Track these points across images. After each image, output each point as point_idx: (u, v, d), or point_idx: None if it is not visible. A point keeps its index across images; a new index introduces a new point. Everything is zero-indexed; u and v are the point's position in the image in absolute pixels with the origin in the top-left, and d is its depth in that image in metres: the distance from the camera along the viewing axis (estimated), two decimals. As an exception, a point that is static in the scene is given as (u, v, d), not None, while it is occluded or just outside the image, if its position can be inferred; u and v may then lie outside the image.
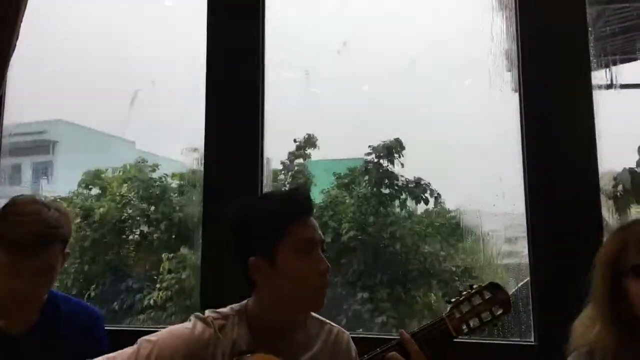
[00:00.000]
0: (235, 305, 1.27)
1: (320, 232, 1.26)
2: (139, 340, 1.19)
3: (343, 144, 3.97)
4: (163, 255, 3.41)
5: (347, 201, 3.94)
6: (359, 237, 3.77)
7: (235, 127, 1.75)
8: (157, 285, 3.39)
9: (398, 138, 3.80)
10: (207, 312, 1.26)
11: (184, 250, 3.38)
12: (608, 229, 1.94)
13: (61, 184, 4.70)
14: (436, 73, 3.26)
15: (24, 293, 1.33)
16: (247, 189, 1.70)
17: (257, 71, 1.77)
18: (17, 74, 1.86)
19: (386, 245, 3.78)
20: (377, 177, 3.88)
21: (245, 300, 1.28)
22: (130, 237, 3.78)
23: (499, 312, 1.20)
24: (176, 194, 3.80)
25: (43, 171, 5.78)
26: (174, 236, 3.65)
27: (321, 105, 3.76)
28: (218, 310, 1.26)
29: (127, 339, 1.30)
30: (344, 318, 3.74)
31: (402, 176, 3.87)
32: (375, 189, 3.87)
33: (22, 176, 5.97)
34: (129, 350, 1.18)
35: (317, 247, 1.23)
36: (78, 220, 3.71)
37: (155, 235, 3.71)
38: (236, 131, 1.74)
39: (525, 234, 1.52)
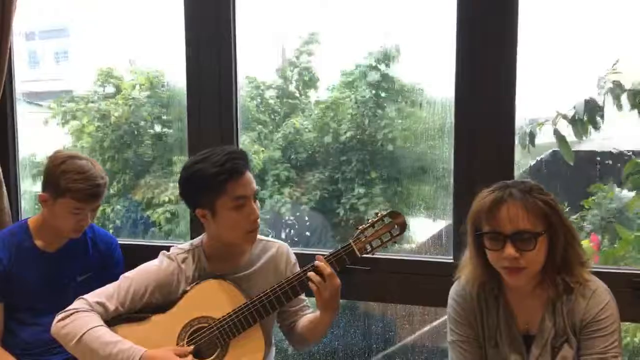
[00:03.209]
0: (194, 240, 1.65)
1: (253, 184, 1.56)
2: (121, 276, 1.57)
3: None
4: (174, 158, 3.74)
5: (347, 103, 4.13)
6: (357, 137, 4.01)
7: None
8: (171, 184, 3.76)
9: (397, 44, 3.88)
10: (173, 249, 1.63)
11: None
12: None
13: (80, 70, 4.87)
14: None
15: (85, 225, 1.79)
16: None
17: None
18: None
19: (382, 145, 4.03)
20: (374, 81, 4.02)
21: (202, 236, 1.63)
22: (146, 137, 4.08)
23: (397, 232, 1.53)
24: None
25: (63, 55, 5.95)
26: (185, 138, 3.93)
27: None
28: (180, 246, 1.65)
29: (144, 251, 1.67)
30: (342, 210, 4.13)
31: (398, 80, 4.00)
32: (373, 92, 4.02)
33: (41, 61, 6.14)
34: (112, 285, 1.57)
35: (250, 199, 1.53)
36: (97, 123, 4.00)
37: (169, 137, 4.00)
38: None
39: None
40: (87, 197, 1.72)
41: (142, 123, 4.07)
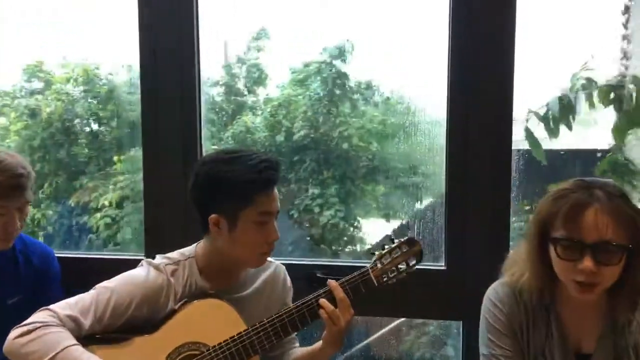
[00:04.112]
0: (184, 250, 1.41)
1: (278, 202, 1.37)
2: (97, 286, 1.32)
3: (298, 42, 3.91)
4: (115, 158, 3.45)
5: (300, 100, 3.98)
6: (311, 135, 3.87)
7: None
8: (112, 186, 3.46)
9: (349, 39, 3.78)
10: (159, 259, 1.40)
11: (136, 152, 3.41)
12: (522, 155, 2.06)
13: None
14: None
15: (12, 232, 1.53)
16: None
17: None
18: None
19: (337, 143, 3.92)
20: (329, 78, 3.91)
21: (194, 245, 1.41)
22: (81, 135, 3.77)
23: (413, 262, 1.39)
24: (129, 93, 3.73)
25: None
26: (126, 136, 3.66)
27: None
28: (168, 255, 1.40)
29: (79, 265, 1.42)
30: (295, 212, 3.97)
31: (353, 77, 3.91)
32: (327, 89, 3.91)
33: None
34: (87, 296, 1.31)
35: (273, 217, 1.34)
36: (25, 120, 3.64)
37: (107, 135, 3.70)
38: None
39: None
40: (7, 191, 1.46)
41: (77, 120, 3.74)
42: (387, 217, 4.08)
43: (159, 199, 1.71)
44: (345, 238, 4.03)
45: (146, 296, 1.33)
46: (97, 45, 3.69)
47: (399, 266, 1.39)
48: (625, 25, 2.11)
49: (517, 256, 1.30)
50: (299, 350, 1.50)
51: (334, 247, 4.01)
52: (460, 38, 1.57)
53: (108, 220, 3.54)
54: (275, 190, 1.37)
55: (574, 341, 1.29)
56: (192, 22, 1.68)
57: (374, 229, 4.01)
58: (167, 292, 1.35)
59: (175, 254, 1.42)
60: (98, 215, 3.53)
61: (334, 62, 3.80)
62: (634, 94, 1.97)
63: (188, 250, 1.43)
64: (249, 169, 1.32)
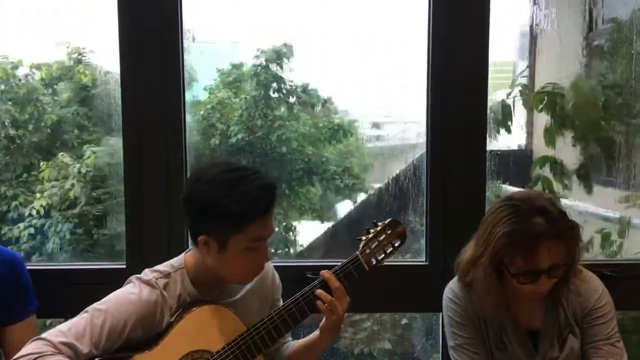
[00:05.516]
0: (173, 262, 1.37)
1: (273, 224, 1.34)
2: (89, 308, 1.25)
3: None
4: (42, 164, 3.21)
5: (235, 104, 3.93)
6: (247, 138, 3.84)
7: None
8: (38, 195, 3.22)
9: (288, 43, 3.80)
10: (148, 273, 1.34)
11: (64, 158, 3.20)
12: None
13: None
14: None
15: None
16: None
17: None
18: None
19: (273, 147, 3.91)
20: (265, 81, 3.90)
21: (183, 256, 1.37)
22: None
23: (398, 243, 1.45)
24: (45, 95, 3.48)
25: None
26: (48, 141, 3.42)
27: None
28: (157, 269, 1.35)
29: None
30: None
31: (290, 81, 3.93)
32: (263, 92, 3.90)
33: None
34: (80, 321, 1.23)
35: (266, 240, 1.31)
36: None
37: (25, 139, 3.44)
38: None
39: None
40: None
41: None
42: (321, 218, 4.15)
43: (141, 208, 1.62)
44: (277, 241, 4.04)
45: (142, 315, 1.29)
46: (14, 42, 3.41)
47: (386, 248, 1.45)
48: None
49: (467, 259, 1.42)
50: (293, 343, 1.51)
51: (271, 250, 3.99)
52: (439, 28, 1.65)
53: (32, 230, 3.29)
54: (270, 214, 1.33)
55: (525, 322, 1.46)
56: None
57: (307, 231, 4.06)
58: (162, 308, 1.32)
59: (164, 267, 1.37)
60: (21, 225, 3.26)
61: (270, 65, 3.80)
62: (570, 100, 2.20)
63: (177, 261, 1.39)
64: (243, 198, 1.27)
